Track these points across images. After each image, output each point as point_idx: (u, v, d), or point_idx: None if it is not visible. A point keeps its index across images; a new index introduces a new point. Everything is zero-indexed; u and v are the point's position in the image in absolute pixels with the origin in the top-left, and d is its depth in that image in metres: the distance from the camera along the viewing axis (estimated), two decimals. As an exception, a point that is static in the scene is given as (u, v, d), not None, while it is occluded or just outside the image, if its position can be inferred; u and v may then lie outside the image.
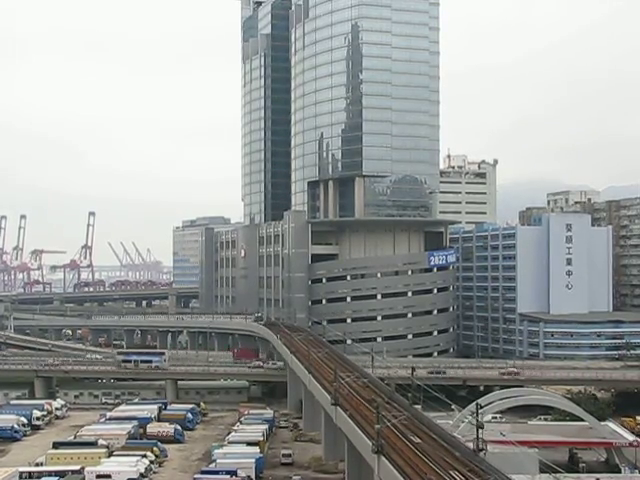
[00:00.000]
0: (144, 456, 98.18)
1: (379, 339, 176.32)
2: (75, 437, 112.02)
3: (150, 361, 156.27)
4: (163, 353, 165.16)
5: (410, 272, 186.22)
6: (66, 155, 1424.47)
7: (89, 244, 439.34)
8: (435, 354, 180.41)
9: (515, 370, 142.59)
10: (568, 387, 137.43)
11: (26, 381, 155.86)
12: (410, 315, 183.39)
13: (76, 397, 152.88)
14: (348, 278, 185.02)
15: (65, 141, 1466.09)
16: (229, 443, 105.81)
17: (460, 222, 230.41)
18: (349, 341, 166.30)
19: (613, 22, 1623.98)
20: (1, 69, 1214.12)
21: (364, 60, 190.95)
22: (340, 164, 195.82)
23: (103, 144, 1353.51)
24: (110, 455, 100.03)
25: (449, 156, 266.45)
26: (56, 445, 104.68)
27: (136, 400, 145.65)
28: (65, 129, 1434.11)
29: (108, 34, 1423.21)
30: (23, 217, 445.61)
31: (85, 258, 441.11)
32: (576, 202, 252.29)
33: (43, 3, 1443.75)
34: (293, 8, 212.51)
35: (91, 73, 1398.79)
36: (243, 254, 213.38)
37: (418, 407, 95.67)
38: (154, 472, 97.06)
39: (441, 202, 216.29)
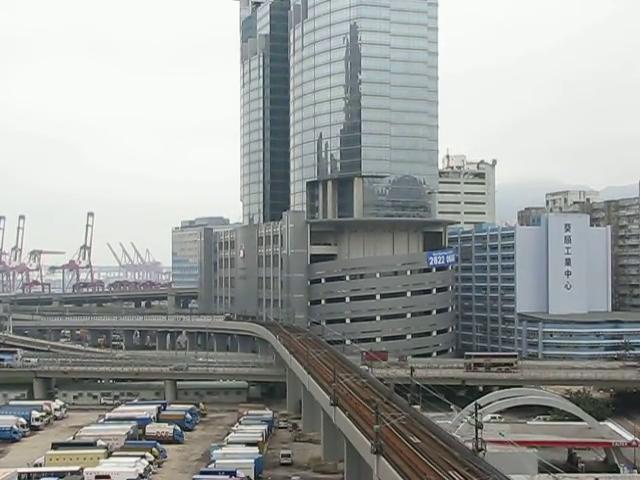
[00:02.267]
0: (143, 457, 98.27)
1: (378, 339, 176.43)
2: (74, 438, 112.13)
3: (2, 359, 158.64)
4: (15, 352, 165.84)
5: (409, 272, 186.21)
6: (65, 155, 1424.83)
7: (88, 245, 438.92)
8: (434, 354, 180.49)
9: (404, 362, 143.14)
10: (567, 387, 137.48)
11: (25, 382, 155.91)
12: (409, 315, 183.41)
13: (75, 398, 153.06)
14: (347, 278, 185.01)
15: (64, 141, 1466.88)
16: (228, 443, 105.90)
17: (459, 222, 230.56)
18: (348, 341, 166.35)
19: (613, 24, 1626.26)
20: (2, 69, 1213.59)
21: (363, 60, 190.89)
22: (339, 164, 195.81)
23: (102, 144, 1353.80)
24: (109, 456, 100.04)
25: (448, 156, 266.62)
26: (55, 446, 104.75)
27: (135, 401, 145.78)
28: (64, 129, 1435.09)
29: (109, 34, 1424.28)
30: (22, 217, 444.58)
31: (84, 259, 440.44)
32: (575, 202, 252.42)
33: (45, 3, 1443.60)
34: (292, 8, 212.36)
35: (90, 73, 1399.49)
36: (242, 254, 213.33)
37: (417, 407, 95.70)
38: (153, 472, 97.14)
39: (440, 202, 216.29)
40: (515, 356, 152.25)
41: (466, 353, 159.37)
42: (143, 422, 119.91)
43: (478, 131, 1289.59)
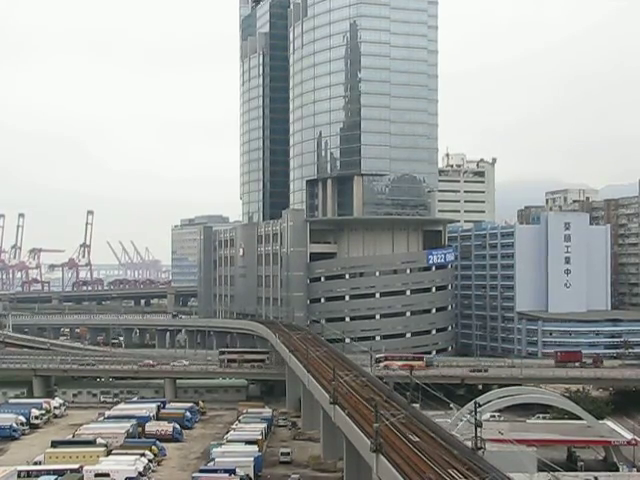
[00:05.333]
0: (143, 455, 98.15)
1: (378, 338, 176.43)
2: (74, 436, 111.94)
3: None
4: None
5: (409, 271, 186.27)
6: (65, 153, 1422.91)
7: (87, 243, 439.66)
8: (433, 353, 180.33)
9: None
10: (566, 386, 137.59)
11: (24, 380, 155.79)
12: (409, 314, 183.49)
13: (75, 396, 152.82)
14: (347, 277, 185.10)
15: (64, 139, 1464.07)
16: (228, 442, 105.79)
17: (459, 221, 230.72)
18: (348, 340, 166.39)
19: (613, 23, 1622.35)
20: (4, 69, 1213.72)
21: (363, 59, 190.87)
22: (339, 163, 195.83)
23: (102, 142, 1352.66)
24: (109, 454, 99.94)
25: (448, 155, 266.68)
26: (54, 444, 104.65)
27: (135, 399, 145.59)
28: (65, 127, 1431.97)
29: (108, 33, 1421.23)
30: (21, 215, 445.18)
31: (83, 257, 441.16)
32: (574, 201, 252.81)
33: (46, 3, 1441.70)
34: (291, 6, 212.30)
35: (90, 72, 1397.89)
36: (242, 253, 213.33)
37: (416, 406, 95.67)
38: (153, 471, 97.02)
39: (440, 201, 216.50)
40: (268, 352, 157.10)
41: (220, 349, 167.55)
42: (143, 420, 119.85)
43: (478, 130, 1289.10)
